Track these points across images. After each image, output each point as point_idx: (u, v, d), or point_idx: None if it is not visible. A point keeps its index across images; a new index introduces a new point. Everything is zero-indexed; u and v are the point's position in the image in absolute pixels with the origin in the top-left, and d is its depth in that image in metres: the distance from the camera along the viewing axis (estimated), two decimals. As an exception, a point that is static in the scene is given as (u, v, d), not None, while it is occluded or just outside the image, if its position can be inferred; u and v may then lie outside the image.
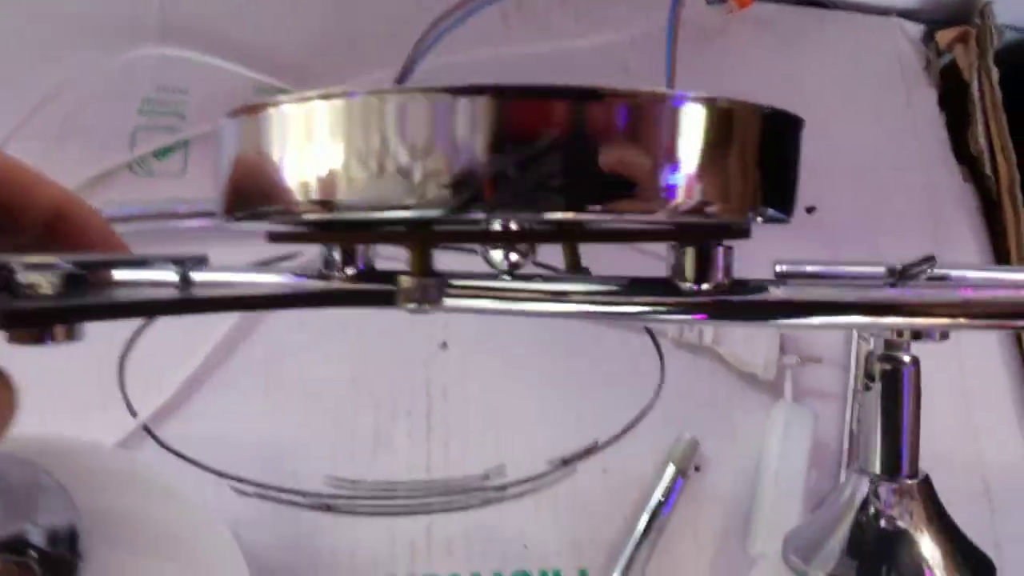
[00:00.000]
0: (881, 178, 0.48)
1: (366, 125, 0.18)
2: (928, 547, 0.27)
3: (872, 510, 0.27)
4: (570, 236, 0.23)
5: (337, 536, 0.36)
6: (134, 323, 0.37)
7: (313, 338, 0.40)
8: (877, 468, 0.27)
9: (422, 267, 0.21)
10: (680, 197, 0.19)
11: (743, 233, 0.22)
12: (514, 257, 0.22)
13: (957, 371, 0.43)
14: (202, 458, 0.36)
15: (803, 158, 0.49)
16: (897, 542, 0.27)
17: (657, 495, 0.38)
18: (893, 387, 0.26)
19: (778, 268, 0.26)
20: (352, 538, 0.36)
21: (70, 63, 0.40)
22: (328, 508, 0.37)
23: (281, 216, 0.20)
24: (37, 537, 0.23)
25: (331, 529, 0.36)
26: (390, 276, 0.22)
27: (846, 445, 0.41)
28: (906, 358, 0.26)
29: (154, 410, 0.37)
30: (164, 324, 0.37)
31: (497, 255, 0.22)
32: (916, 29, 0.51)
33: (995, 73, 0.48)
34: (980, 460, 0.42)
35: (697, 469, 0.40)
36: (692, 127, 0.19)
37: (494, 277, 0.22)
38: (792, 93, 0.48)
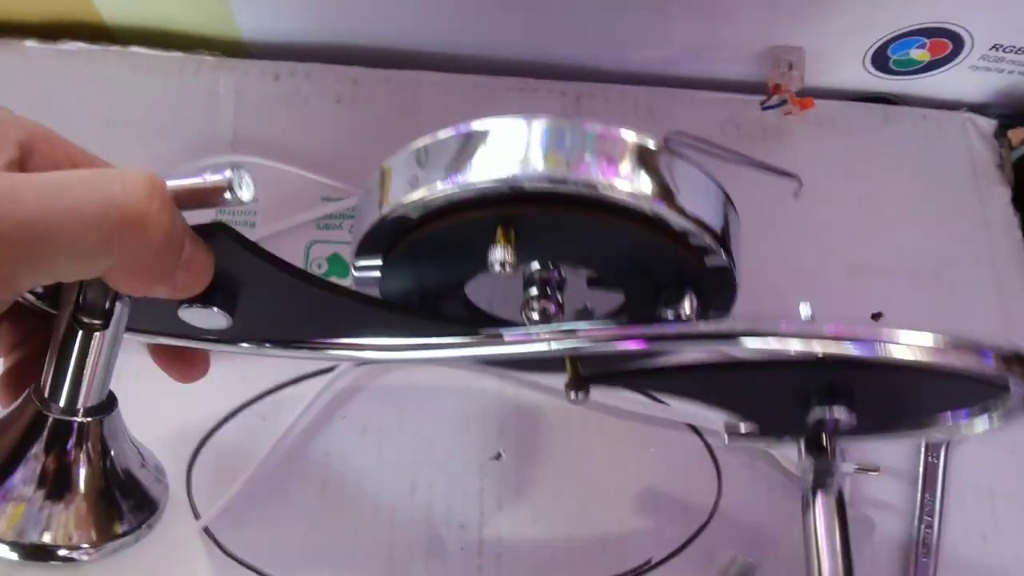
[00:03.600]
0: (951, 281, 0.46)
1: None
2: None
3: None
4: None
5: (389, 651, 0.37)
6: (204, 427, 0.39)
7: (371, 444, 0.40)
8: None
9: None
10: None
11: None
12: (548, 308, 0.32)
13: None
14: (261, 563, 0.37)
15: (866, 260, 0.48)
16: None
17: (712, 620, 0.37)
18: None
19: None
20: (404, 654, 0.37)
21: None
22: (381, 621, 0.37)
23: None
24: None
25: (383, 643, 0.37)
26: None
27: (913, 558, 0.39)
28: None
29: (215, 514, 0.38)
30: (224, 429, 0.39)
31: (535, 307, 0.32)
32: (988, 124, 0.49)
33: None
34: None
35: (754, 590, 0.39)
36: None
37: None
38: (856, 193, 0.48)
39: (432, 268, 0.33)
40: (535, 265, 0.32)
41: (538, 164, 0.28)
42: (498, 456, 0.41)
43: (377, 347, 0.32)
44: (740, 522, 0.40)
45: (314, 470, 0.40)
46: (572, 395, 0.34)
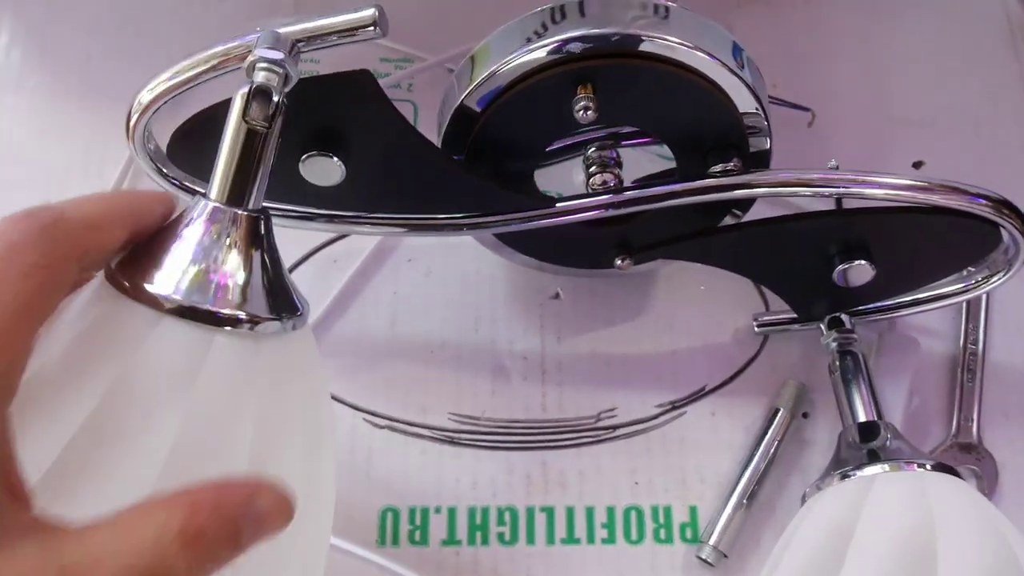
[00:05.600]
0: (991, 132, 0.47)
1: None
2: None
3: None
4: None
5: (460, 467, 0.39)
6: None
7: (436, 285, 0.42)
8: None
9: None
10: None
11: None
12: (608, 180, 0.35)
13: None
14: (336, 390, 0.39)
15: (905, 114, 0.49)
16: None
17: (768, 438, 0.39)
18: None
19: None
20: (473, 469, 0.39)
21: (214, 35, 0.44)
22: (452, 441, 0.39)
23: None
24: None
25: (454, 460, 0.39)
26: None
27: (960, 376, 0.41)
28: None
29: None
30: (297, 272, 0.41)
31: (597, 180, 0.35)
32: (1026, -15, 0.50)
33: (1111, 24, 0.47)
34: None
35: (806, 416, 0.40)
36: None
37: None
38: (891, 54, 0.49)
39: (507, 154, 0.36)
40: (593, 148, 0.36)
41: (612, 25, 0.32)
42: (556, 295, 0.43)
43: (453, 224, 0.36)
44: (789, 351, 0.42)
45: (384, 308, 0.42)
46: (619, 261, 0.38)
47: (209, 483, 0.21)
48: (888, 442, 0.35)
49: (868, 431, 0.36)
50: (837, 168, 0.36)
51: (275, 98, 0.27)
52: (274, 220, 0.35)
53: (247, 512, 0.21)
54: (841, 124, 0.47)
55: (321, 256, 0.42)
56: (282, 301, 0.27)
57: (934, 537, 0.30)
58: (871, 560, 0.30)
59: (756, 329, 0.42)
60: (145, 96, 0.31)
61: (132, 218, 0.25)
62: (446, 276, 0.43)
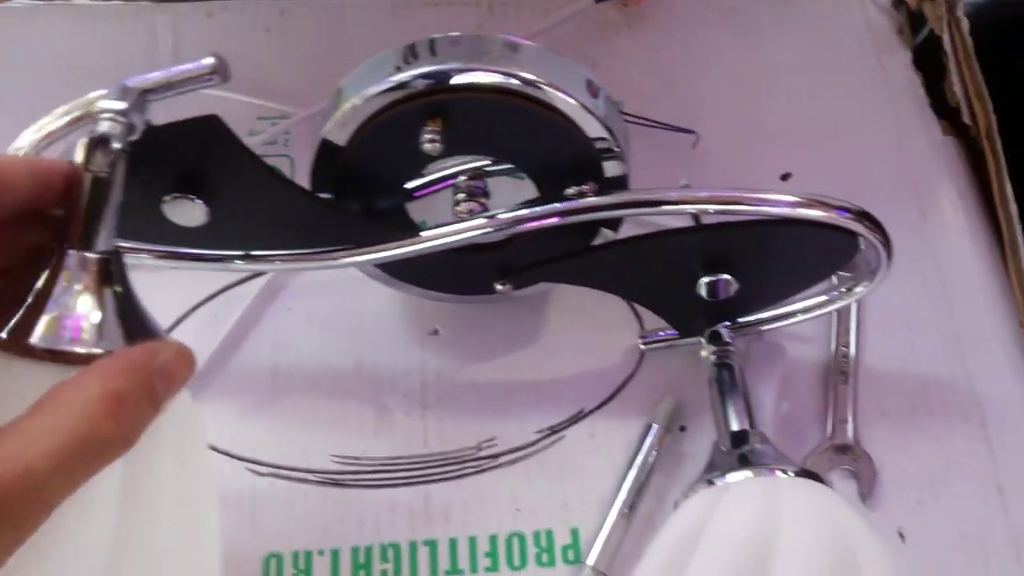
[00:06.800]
0: (857, 142, 0.49)
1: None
2: None
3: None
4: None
5: (344, 508, 0.39)
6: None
7: (316, 330, 0.43)
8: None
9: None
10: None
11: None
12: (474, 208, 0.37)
13: (946, 313, 0.44)
14: (218, 442, 0.40)
15: (775, 128, 0.51)
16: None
17: (642, 454, 0.40)
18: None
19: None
20: (357, 509, 0.39)
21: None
22: (335, 483, 0.40)
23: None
24: None
25: (338, 502, 0.40)
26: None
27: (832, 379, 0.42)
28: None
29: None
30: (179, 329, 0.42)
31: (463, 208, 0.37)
32: (885, -4, 0.52)
33: (965, 24, 0.48)
34: (977, 403, 0.42)
35: (683, 429, 0.41)
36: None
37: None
38: (759, 72, 0.50)
39: (373, 187, 0.37)
40: (463, 177, 0.38)
41: (458, 60, 0.33)
42: (435, 332, 0.44)
43: (320, 255, 0.37)
44: (666, 368, 0.42)
45: (265, 359, 0.43)
46: (499, 286, 0.39)
47: (114, 353, 0.24)
48: (756, 448, 0.36)
49: (738, 439, 0.36)
50: (688, 187, 0.38)
51: (115, 145, 0.28)
52: (142, 259, 0.37)
53: (154, 368, 0.24)
54: (714, 139, 0.48)
55: (201, 312, 0.43)
56: (139, 336, 0.27)
57: (774, 542, 0.31)
58: (711, 565, 0.30)
59: (641, 347, 0.42)
60: (12, 149, 0.32)
61: (32, 175, 0.26)
62: (325, 322, 0.44)
